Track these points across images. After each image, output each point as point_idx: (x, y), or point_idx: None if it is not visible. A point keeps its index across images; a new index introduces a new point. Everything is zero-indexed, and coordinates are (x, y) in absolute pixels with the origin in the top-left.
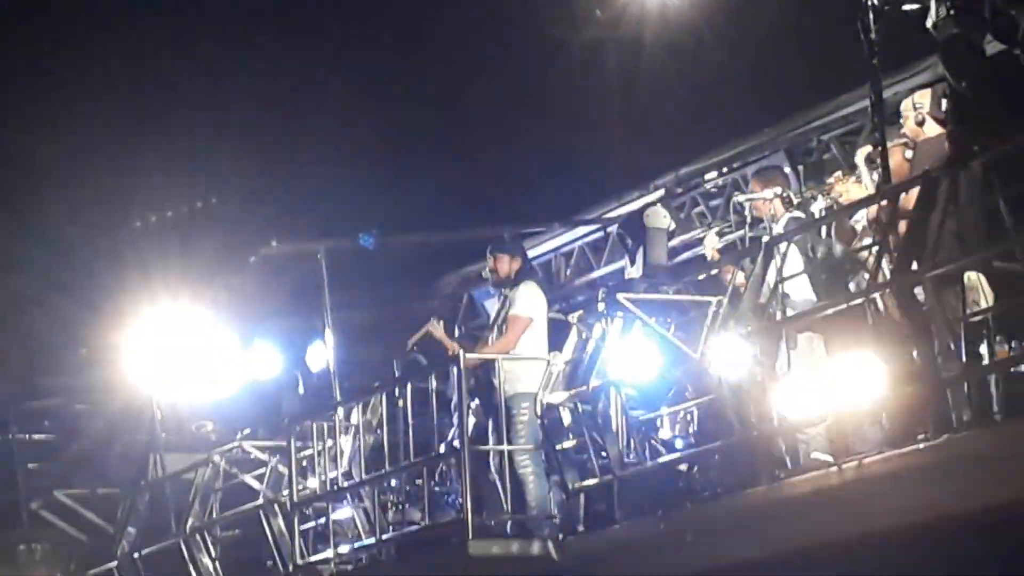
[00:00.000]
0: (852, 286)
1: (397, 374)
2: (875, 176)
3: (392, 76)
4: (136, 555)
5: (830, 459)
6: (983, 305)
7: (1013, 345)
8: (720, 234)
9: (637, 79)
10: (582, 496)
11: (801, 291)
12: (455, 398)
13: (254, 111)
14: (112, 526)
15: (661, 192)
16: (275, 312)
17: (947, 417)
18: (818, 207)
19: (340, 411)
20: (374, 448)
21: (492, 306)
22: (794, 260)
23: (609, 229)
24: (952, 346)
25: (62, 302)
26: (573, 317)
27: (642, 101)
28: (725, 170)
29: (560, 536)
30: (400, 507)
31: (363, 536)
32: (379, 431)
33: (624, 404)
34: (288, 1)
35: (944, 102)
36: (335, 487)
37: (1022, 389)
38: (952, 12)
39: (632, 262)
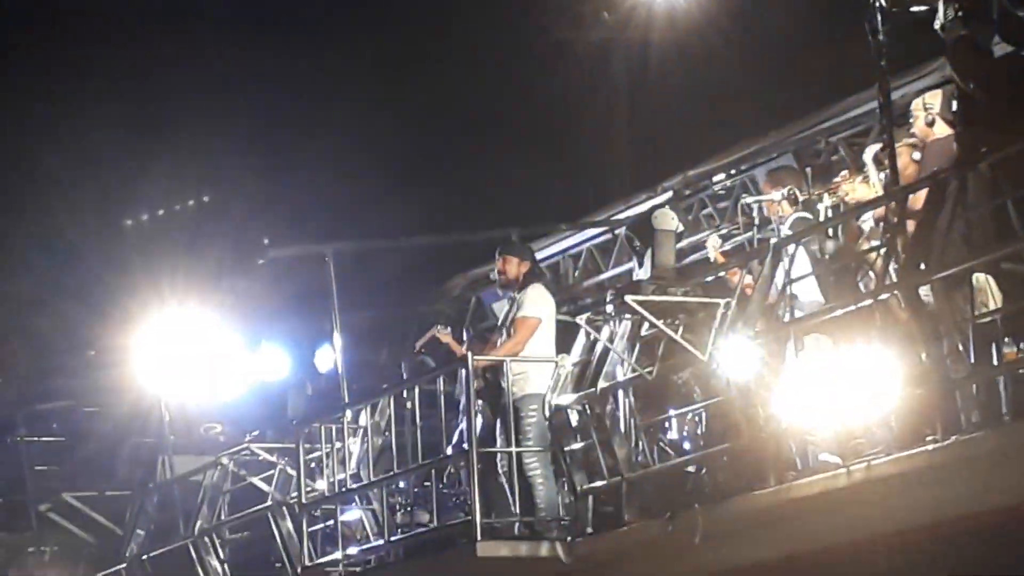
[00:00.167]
0: (860, 287)
1: (405, 376)
2: (882, 175)
3: (401, 79)
4: (144, 557)
5: (839, 461)
6: (992, 307)
7: (1022, 347)
8: (725, 237)
9: (645, 82)
10: (590, 498)
11: (809, 293)
12: (463, 400)
13: (261, 115)
14: (120, 528)
15: (669, 194)
16: (283, 314)
17: (956, 419)
18: (824, 206)
19: (348, 413)
20: (382, 450)
21: (500, 308)
22: (802, 262)
23: (617, 231)
24: (961, 347)
25: (69, 305)
26: (581, 319)
27: (650, 103)
28: (733, 172)
29: (568, 538)
30: (408, 509)
31: (371, 538)
32: (387, 433)
33: (632, 406)
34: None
35: (954, 103)
36: (343, 489)
37: None
38: (960, 14)
39: (640, 264)
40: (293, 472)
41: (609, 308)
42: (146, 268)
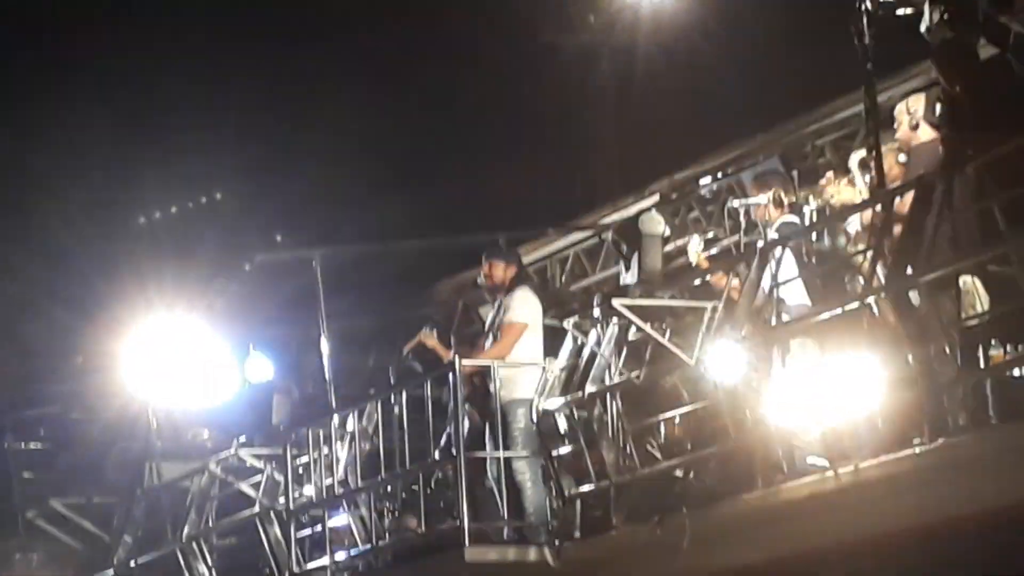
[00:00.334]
0: (847, 289)
1: (392, 381)
2: (867, 179)
3: (388, 84)
4: (132, 563)
5: (826, 464)
6: (979, 309)
7: (1008, 349)
8: (708, 240)
9: (631, 85)
10: (579, 502)
11: (796, 296)
12: (451, 404)
13: (249, 120)
14: (108, 534)
15: (656, 197)
16: (270, 319)
17: (943, 421)
18: (810, 209)
19: (336, 418)
20: (370, 455)
21: (487, 313)
22: (788, 265)
23: (604, 235)
24: (947, 350)
25: (57, 310)
26: (568, 323)
27: (637, 107)
28: (720, 175)
29: (557, 542)
30: (396, 514)
31: (359, 543)
32: (375, 438)
33: (620, 410)
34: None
35: (938, 106)
36: (331, 494)
37: (1017, 393)
38: (946, 16)
39: (627, 268)
40: (281, 477)
41: (596, 312)
42: (134, 273)
